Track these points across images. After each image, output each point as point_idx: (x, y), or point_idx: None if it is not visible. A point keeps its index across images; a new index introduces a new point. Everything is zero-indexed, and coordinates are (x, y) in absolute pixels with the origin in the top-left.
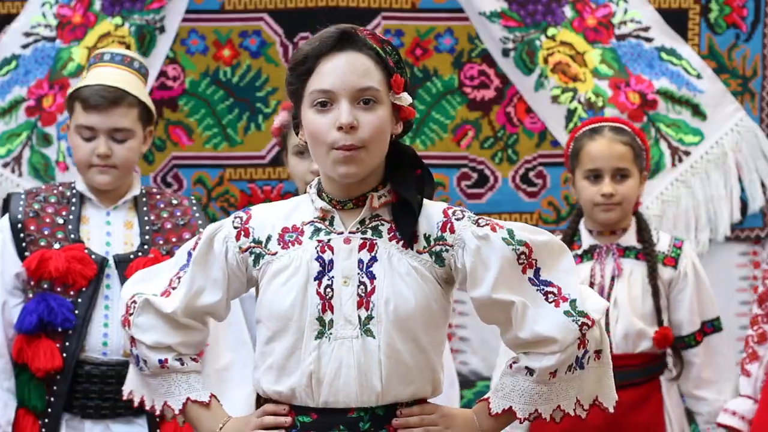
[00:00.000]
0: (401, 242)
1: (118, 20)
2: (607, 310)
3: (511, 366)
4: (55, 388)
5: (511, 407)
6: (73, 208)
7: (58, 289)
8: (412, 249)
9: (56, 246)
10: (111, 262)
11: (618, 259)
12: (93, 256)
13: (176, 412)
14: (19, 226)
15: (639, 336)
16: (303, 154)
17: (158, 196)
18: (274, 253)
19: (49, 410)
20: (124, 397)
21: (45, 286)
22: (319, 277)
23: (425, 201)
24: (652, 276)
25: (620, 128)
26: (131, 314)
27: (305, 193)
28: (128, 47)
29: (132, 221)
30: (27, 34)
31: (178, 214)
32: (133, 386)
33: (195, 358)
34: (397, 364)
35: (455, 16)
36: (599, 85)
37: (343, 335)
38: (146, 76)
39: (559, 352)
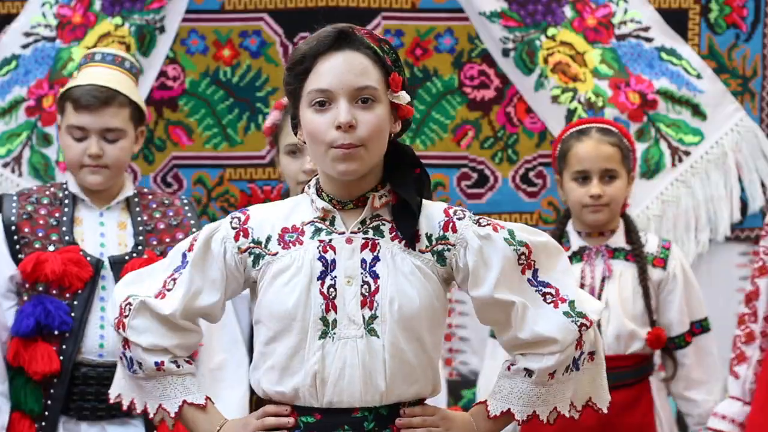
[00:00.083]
0: (403, 242)
1: (118, 20)
2: None
3: (509, 368)
4: (52, 391)
5: (509, 409)
6: (66, 209)
7: (54, 292)
8: (414, 248)
9: (51, 248)
10: (106, 263)
11: (608, 261)
12: (88, 258)
13: (172, 414)
14: (13, 228)
15: (630, 337)
16: (295, 154)
17: (150, 197)
18: (275, 254)
19: (47, 413)
20: (111, 401)
21: (40, 288)
22: (322, 277)
23: (424, 201)
24: (643, 277)
25: (608, 129)
26: (126, 316)
27: (297, 192)
28: (128, 47)
29: (125, 222)
30: (27, 34)
31: (171, 214)
32: (121, 389)
33: (190, 361)
34: (401, 363)
35: (455, 16)
36: (599, 85)
37: (347, 335)
38: (137, 76)
39: (558, 352)
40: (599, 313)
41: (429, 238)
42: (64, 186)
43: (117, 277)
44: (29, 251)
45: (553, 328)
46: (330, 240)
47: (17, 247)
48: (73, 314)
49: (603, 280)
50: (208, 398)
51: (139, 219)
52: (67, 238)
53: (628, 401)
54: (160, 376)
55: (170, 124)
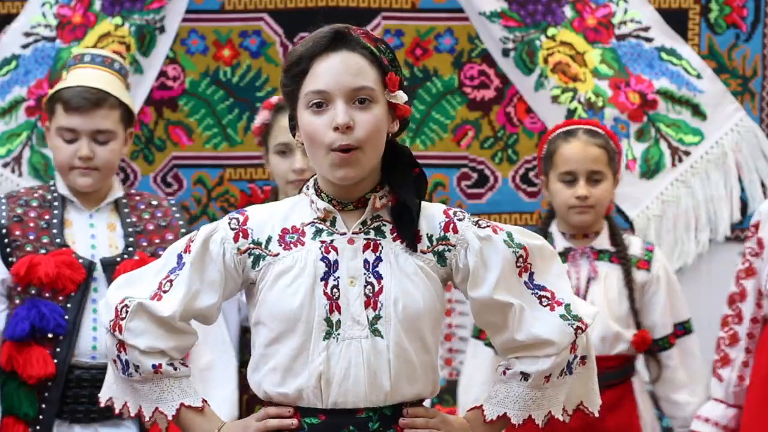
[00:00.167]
0: (405, 242)
1: (118, 20)
2: None
3: (504, 373)
4: (46, 394)
5: (505, 413)
6: (55, 211)
7: (47, 295)
8: (415, 249)
9: (42, 251)
10: (98, 265)
11: (593, 262)
12: (81, 260)
13: (169, 417)
14: (4, 231)
15: (616, 338)
16: (285, 153)
17: (137, 198)
18: (276, 255)
19: (41, 417)
20: (102, 404)
21: (33, 291)
22: (325, 278)
23: (423, 202)
24: (628, 279)
25: (594, 131)
26: (123, 318)
27: (286, 191)
28: (128, 47)
29: (114, 223)
30: (27, 34)
31: (159, 215)
32: (112, 393)
33: (185, 363)
34: (405, 363)
35: (455, 16)
36: (599, 85)
37: (351, 335)
38: (126, 77)
39: (554, 355)
40: (594, 318)
41: (430, 238)
42: (52, 188)
43: (109, 279)
44: (20, 254)
45: (549, 330)
46: (332, 241)
47: (8, 250)
48: (66, 317)
49: (588, 281)
50: (204, 401)
51: (128, 220)
52: (58, 240)
53: (612, 402)
54: (156, 379)
55: (170, 124)
